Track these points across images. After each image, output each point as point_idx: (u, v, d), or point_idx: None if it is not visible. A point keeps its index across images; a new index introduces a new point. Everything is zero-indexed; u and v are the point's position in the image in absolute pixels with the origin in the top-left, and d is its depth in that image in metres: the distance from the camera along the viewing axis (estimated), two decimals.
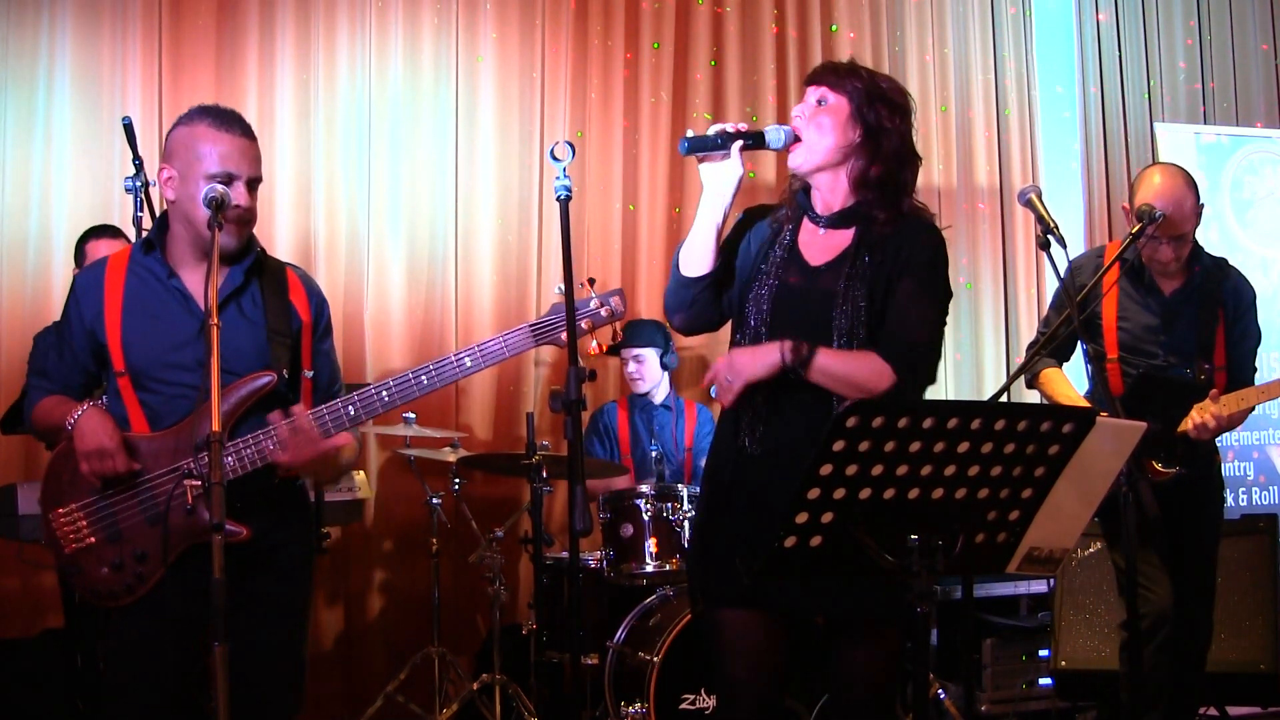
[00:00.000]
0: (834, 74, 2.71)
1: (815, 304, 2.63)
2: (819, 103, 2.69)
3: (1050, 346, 3.86)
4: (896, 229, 2.64)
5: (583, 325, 2.72)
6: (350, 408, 2.65)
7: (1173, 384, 3.78)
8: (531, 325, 2.71)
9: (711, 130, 2.67)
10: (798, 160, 2.71)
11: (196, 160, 2.65)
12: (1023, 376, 3.97)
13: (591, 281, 2.81)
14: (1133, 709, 3.79)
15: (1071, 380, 3.97)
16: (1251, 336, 3.93)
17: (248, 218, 2.71)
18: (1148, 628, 3.74)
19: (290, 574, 2.77)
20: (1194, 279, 3.86)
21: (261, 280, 2.77)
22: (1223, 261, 3.96)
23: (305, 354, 2.79)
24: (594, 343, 2.79)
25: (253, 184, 2.70)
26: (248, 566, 2.62)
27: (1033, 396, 6.19)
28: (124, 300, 2.72)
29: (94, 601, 2.71)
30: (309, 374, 2.79)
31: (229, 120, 2.69)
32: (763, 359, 2.57)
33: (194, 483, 2.56)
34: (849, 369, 2.55)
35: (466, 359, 2.66)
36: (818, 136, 2.68)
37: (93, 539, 2.66)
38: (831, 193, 2.72)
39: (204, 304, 2.63)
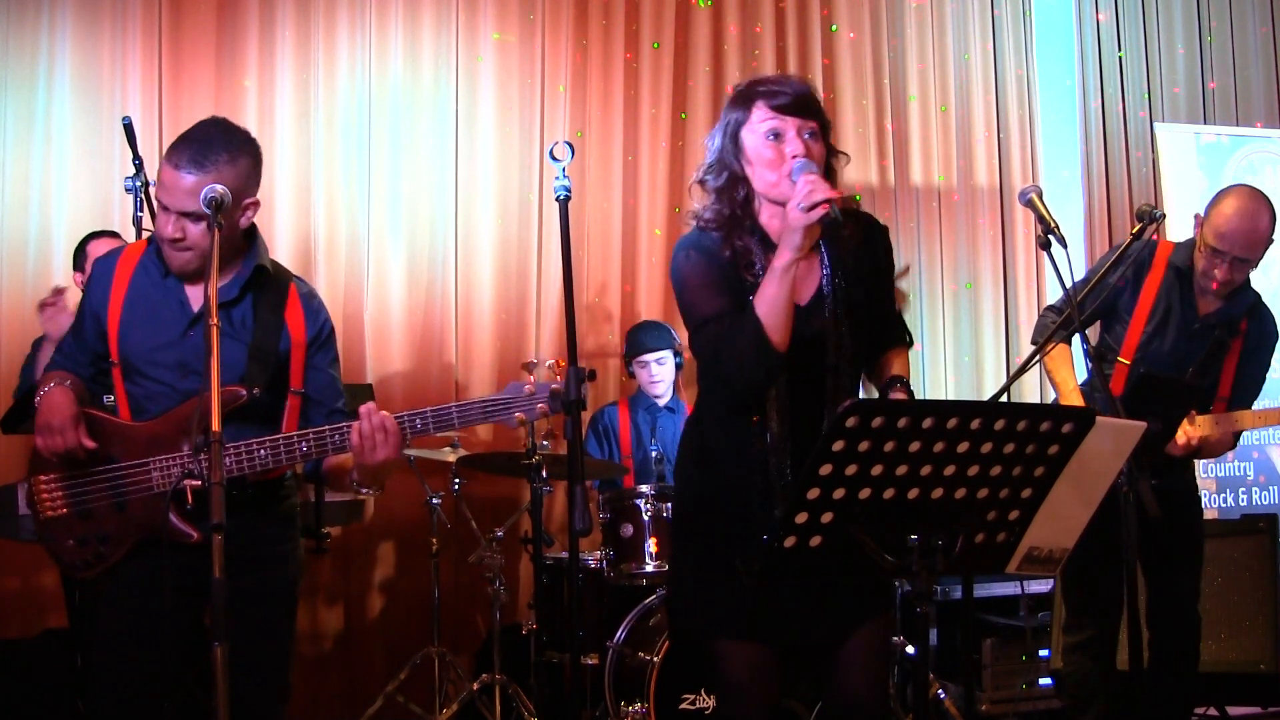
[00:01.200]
0: (814, 104, 2.64)
1: (819, 349, 2.61)
2: (811, 135, 2.61)
3: (1068, 330, 3.78)
4: (852, 232, 2.66)
5: (516, 417, 2.65)
6: (304, 444, 2.64)
7: (1173, 386, 3.76)
8: (484, 401, 2.68)
9: (830, 204, 2.43)
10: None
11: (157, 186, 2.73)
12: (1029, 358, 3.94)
13: (550, 365, 2.76)
14: (1073, 709, 3.82)
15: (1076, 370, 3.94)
16: (1259, 381, 3.89)
17: (183, 247, 2.67)
18: (1090, 638, 3.77)
19: (271, 570, 2.78)
20: (1228, 307, 3.80)
21: (259, 295, 2.77)
22: (1259, 299, 3.90)
23: (295, 372, 2.79)
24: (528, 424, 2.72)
25: (191, 216, 2.65)
26: (227, 564, 2.62)
27: (1033, 397, 6.22)
28: (128, 291, 2.77)
29: (65, 572, 2.87)
30: (297, 391, 2.79)
31: (180, 150, 2.66)
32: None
33: (194, 482, 2.57)
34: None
35: (418, 421, 2.66)
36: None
37: (65, 510, 2.72)
38: None
39: (199, 307, 2.68)
